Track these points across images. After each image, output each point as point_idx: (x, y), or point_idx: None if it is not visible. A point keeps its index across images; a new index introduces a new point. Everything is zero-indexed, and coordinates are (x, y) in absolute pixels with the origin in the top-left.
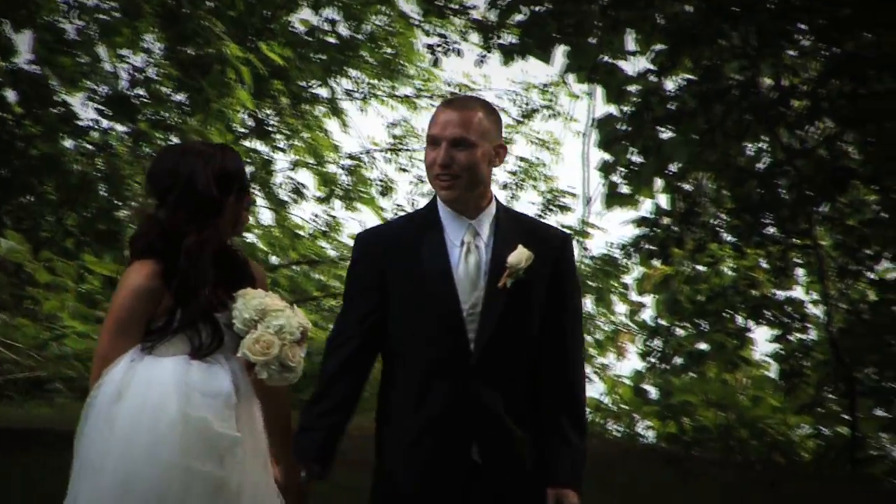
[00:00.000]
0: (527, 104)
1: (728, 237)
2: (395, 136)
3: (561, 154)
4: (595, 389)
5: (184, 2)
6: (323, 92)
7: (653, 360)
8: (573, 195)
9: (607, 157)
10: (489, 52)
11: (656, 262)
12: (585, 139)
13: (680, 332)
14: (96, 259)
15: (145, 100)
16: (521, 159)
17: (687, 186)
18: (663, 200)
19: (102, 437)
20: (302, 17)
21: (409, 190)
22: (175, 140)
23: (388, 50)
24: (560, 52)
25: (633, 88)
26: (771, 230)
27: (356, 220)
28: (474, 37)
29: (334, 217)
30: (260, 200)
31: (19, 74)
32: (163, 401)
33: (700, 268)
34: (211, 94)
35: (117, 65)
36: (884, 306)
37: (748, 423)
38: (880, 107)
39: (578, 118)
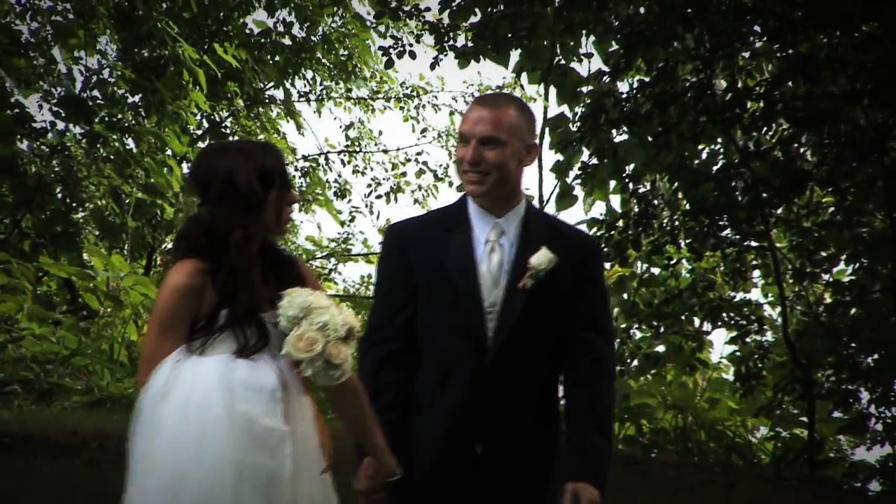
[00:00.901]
0: None
1: (684, 240)
2: (350, 138)
3: None
4: None
5: (138, 3)
6: (278, 94)
7: None
8: (529, 197)
9: (561, 158)
10: (444, 54)
11: (609, 265)
12: (539, 140)
13: (637, 334)
14: (53, 261)
15: (100, 101)
16: None
17: (642, 189)
18: (616, 202)
19: (148, 440)
20: (257, 19)
21: (365, 192)
22: (130, 142)
23: (343, 52)
24: (514, 55)
25: (586, 90)
26: (727, 232)
27: (312, 223)
28: (430, 39)
29: (290, 219)
30: None
31: None
32: (207, 398)
33: (655, 270)
34: (166, 96)
35: (72, 66)
36: (840, 308)
37: (706, 426)
38: (835, 108)
39: None
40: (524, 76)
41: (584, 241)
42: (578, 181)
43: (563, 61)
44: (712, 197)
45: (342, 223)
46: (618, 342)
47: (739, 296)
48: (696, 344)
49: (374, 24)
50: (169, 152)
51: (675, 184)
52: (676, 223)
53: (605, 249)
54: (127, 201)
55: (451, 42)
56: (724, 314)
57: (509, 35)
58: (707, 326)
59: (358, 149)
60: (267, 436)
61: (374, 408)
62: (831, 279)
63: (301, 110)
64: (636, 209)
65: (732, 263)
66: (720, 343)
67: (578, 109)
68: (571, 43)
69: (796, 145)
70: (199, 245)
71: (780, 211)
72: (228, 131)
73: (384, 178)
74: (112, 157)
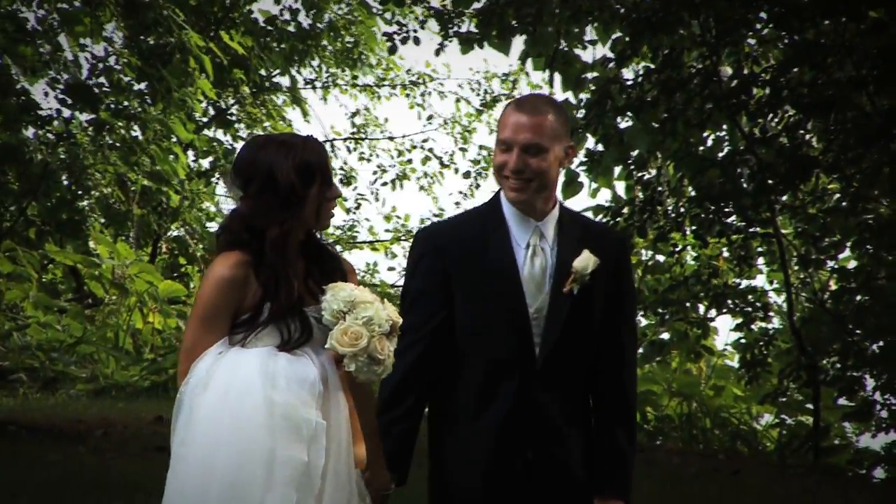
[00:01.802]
0: (486, 93)
1: (689, 227)
2: (356, 125)
3: None
4: None
5: None
6: (284, 81)
7: None
8: None
9: None
10: (448, 40)
11: None
12: None
13: (642, 321)
14: (58, 249)
15: (107, 89)
16: (482, 147)
17: (647, 176)
18: (622, 189)
19: (186, 427)
20: (262, 7)
21: (371, 180)
22: (136, 130)
23: (349, 39)
24: (518, 42)
25: (591, 76)
26: (732, 219)
27: None
28: (434, 25)
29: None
30: (220, 190)
31: None
32: (247, 387)
33: (660, 257)
34: (172, 83)
35: (78, 54)
36: (846, 295)
37: (711, 413)
38: (841, 94)
39: None
40: (529, 63)
41: (617, 239)
42: (584, 168)
43: (567, 48)
44: (718, 183)
45: (348, 210)
46: None
47: (745, 283)
48: (702, 331)
49: (380, 12)
50: (175, 140)
51: (681, 171)
52: (682, 210)
53: None
54: (132, 189)
55: (456, 28)
56: (730, 301)
57: (514, 22)
58: (712, 313)
59: (364, 136)
60: (304, 427)
61: (393, 412)
62: (837, 266)
63: (307, 97)
64: (641, 196)
65: (738, 250)
66: (725, 330)
67: (583, 96)
68: (576, 30)
69: (802, 132)
70: (240, 238)
71: (785, 197)
72: (234, 118)
73: (390, 166)
74: (118, 144)
